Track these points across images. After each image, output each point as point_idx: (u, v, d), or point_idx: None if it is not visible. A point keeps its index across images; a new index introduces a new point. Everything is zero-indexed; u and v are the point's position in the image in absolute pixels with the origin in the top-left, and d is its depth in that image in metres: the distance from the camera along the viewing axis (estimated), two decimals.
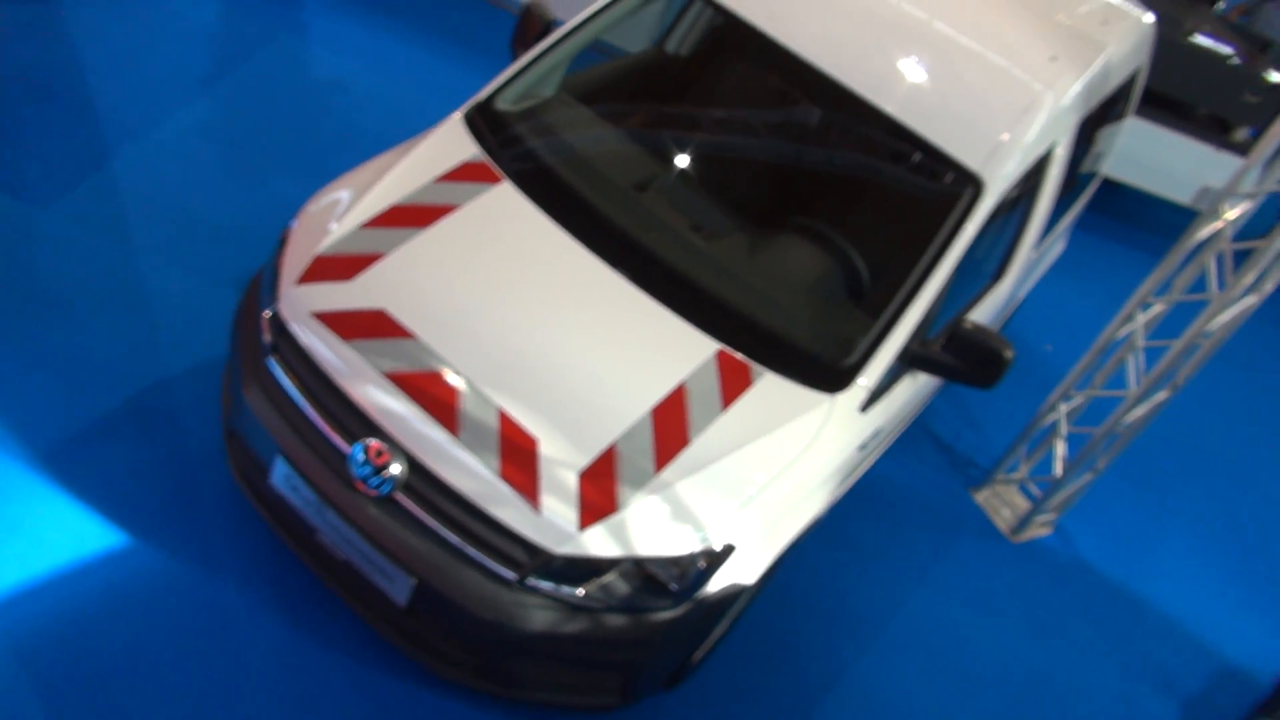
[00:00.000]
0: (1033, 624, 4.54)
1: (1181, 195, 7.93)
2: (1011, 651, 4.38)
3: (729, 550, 2.96)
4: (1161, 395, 4.53)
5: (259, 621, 3.28)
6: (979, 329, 3.41)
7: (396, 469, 2.88)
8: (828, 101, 3.86)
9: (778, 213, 4.02)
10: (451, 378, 2.96)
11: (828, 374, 3.31)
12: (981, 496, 5.05)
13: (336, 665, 3.24)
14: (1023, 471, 5.05)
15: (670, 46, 4.72)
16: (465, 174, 3.45)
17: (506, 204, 3.41)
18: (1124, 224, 8.22)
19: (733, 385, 3.16)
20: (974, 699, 4.09)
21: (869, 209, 4.06)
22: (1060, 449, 4.88)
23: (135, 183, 4.58)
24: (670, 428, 3.01)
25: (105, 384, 3.75)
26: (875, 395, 3.41)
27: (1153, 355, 4.57)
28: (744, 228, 3.81)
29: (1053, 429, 4.93)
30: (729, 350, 3.24)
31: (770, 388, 3.21)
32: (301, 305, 3.08)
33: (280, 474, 3.06)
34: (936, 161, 3.66)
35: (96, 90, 4.96)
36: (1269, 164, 4.19)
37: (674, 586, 2.93)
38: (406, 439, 2.89)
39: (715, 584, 2.99)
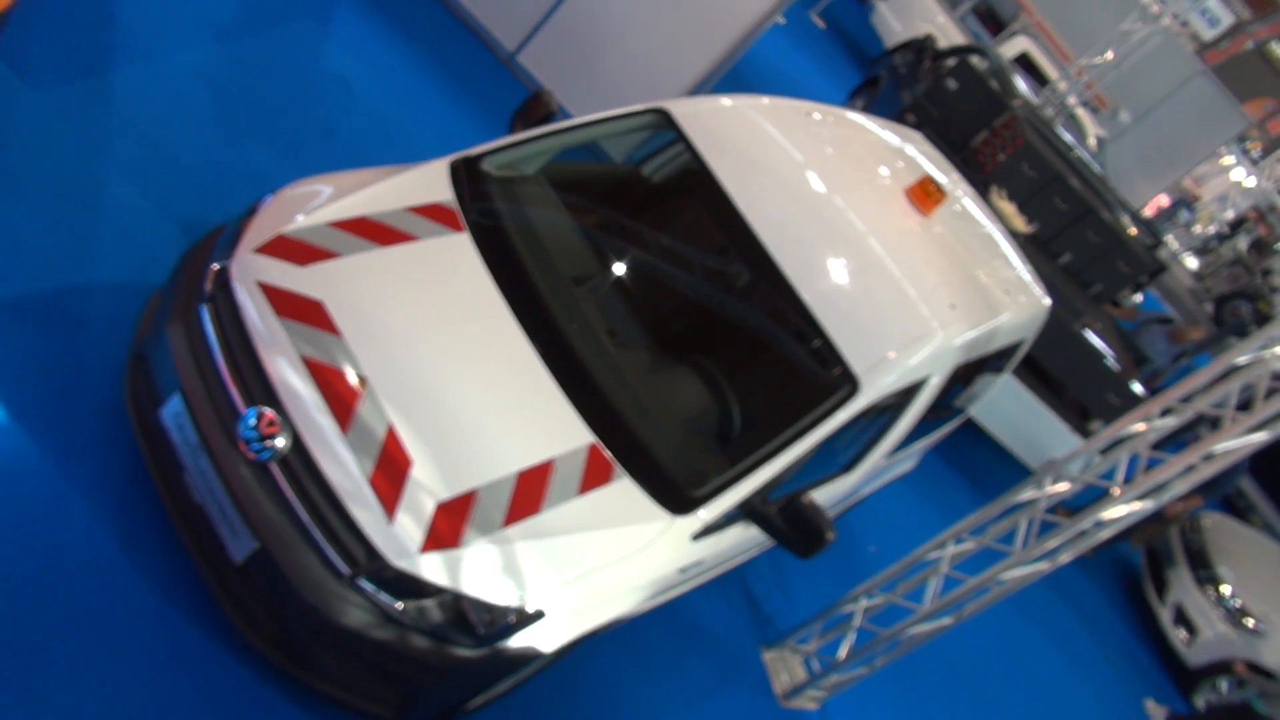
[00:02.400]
0: None
1: (1030, 458, 8.71)
2: None
3: (539, 615, 3.29)
4: (946, 620, 5.05)
5: (91, 531, 3.44)
6: (813, 506, 3.86)
7: (281, 442, 3.15)
8: (757, 268, 4.34)
9: (684, 344, 4.46)
10: (359, 382, 3.26)
11: (676, 496, 3.71)
12: (769, 656, 5.47)
13: (148, 594, 3.42)
14: (812, 645, 5.50)
15: (646, 170, 5.21)
16: (434, 213, 3.81)
17: (459, 252, 3.77)
18: (973, 465, 8.97)
19: (593, 476, 3.53)
20: None
21: (760, 370, 4.54)
22: (850, 636, 5.35)
23: (125, 98, 4.79)
24: (528, 493, 3.35)
25: (29, 268, 3.91)
26: (709, 529, 3.81)
27: (950, 584, 5.11)
28: (651, 347, 4.24)
29: (849, 617, 5.41)
30: (601, 446, 3.61)
31: (624, 490, 3.58)
32: (251, 271, 3.37)
33: (171, 410, 3.30)
34: (827, 354, 4.16)
35: (122, 3, 5.19)
36: (1093, 459, 4.84)
37: (481, 630, 3.24)
38: (299, 418, 3.17)
39: (516, 641, 3.31)
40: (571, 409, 3.62)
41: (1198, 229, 26.79)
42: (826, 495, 4.60)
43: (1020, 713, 6.94)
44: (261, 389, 3.22)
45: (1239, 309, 20.29)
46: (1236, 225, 27.14)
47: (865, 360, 4.15)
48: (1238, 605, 8.71)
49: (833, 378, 4.15)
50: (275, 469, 3.16)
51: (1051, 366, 8.48)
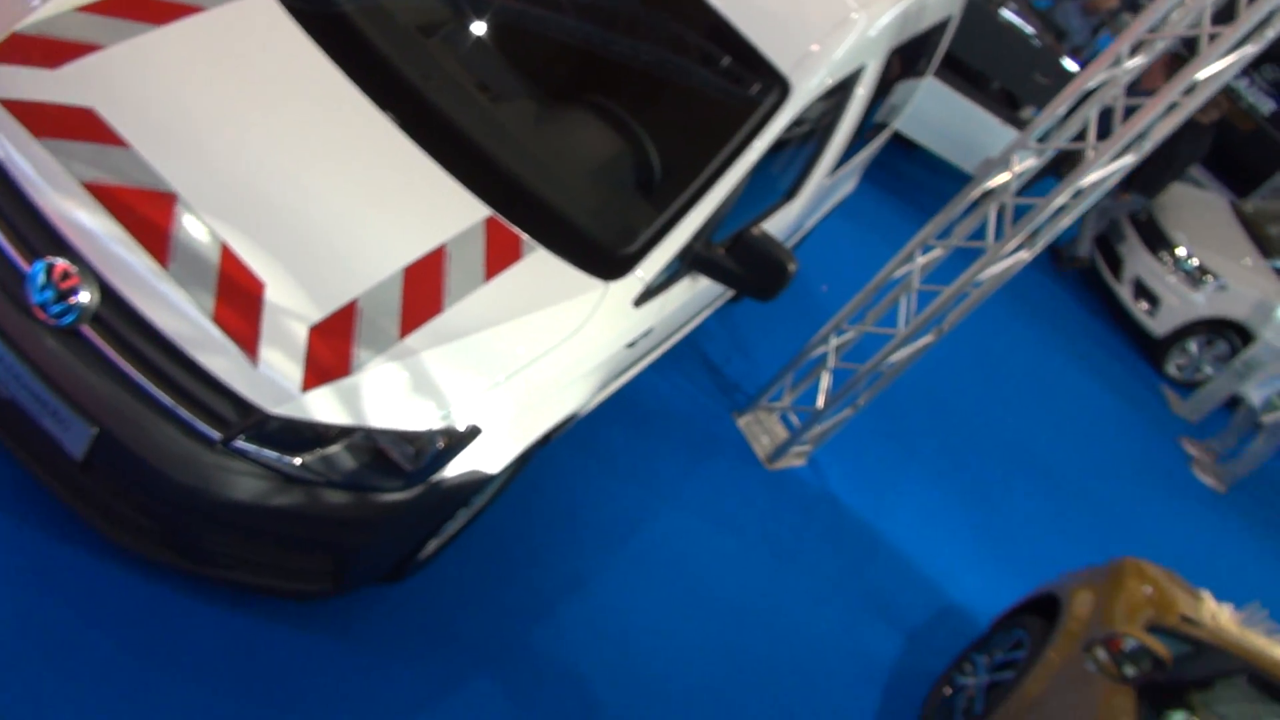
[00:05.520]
0: (775, 549, 4.54)
1: (965, 162, 8.17)
2: (751, 574, 4.35)
3: (474, 432, 2.68)
4: (927, 339, 4.57)
5: None
6: (766, 238, 3.26)
7: (85, 296, 2.42)
8: None
9: (573, 88, 3.70)
10: (167, 199, 2.50)
11: (604, 260, 3.06)
12: (743, 421, 4.99)
13: None
14: (786, 401, 5.03)
15: None
16: None
17: (264, 15, 2.94)
18: (907, 183, 8.41)
19: (499, 256, 2.86)
20: (706, 619, 4.03)
21: (669, 99, 3.81)
22: (825, 381, 4.87)
23: None
24: (423, 291, 2.68)
25: None
26: (651, 292, 3.19)
27: (925, 299, 4.60)
28: (535, 97, 3.49)
29: (821, 361, 4.91)
30: (500, 219, 2.93)
31: (540, 265, 2.93)
32: None
33: None
34: (747, 59, 3.47)
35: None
36: (1059, 123, 4.25)
37: (407, 466, 2.63)
38: (101, 263, 2.43)
39: (454, 469, 2.71)
40: (451, 180, 2.91)
41: None
42: (772, 230, 3.98)
43: (1017, 428, 6.64)
44: (43, 237, 2.45)
45: None
46: None
47: (790, 57, 3.49)
48: (1195, 265, 8.44)
49: (757, 87, 3.48)
50: (88, 331, 2.43)
51: (973, 59, 7.84)
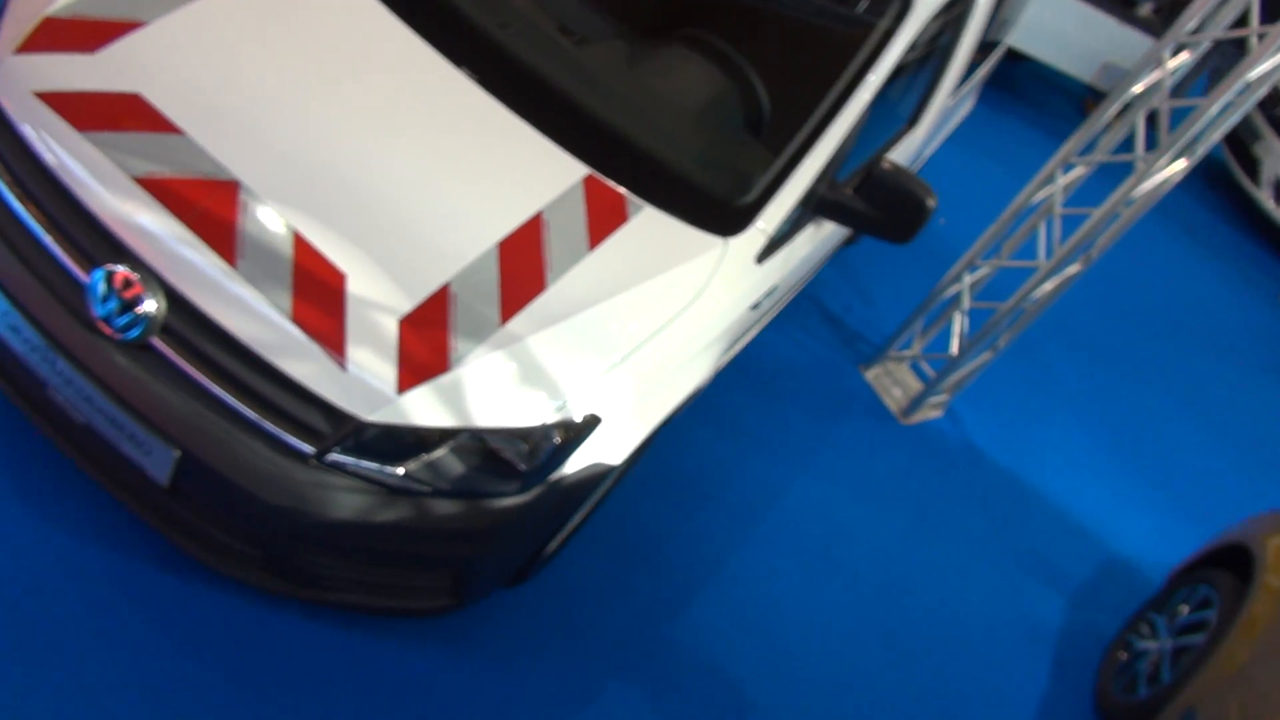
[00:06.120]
0: (919, 512, 4.15)
1: (1083, 71, 7.52)
2: (896, 541, 3.98)
3: (593, 422, 2.36)
4: (1074, 268, 4.09)
5: None
6: (899, 171, 2.85)
7: (151, 305, 2.15)
8: None
9: (666, 22, 3.32)
10: (230, 188, 2.22)
11: (721, 213, 2.70)
12: (871, 374, 4.59)
13: (85, 555, 2.54)
14: (916, 348, 4.61)
15: None
16: None
17: None
18: (1023, 103, 7.80)
19: (603, 220, 2.51)
20: (854, 597, 3.67)
21: (774, 26, 3.40)
22: (959, 323, 4.43)
23: None
24: (522, 268, 2.35)
25: None
26: (774, 244, 2.82)
27: (1068, 224, 4.13)
28: (623, 36, 3.12)
29: (954, 301, 4.47)
30: (600, 177, 2.58)
31: (650, 225, 2.57)
32: (21, 82, 2.27)
33: None
34: None
35: None
36: (1217, 7, 3.71)
37: (522, 466, 2.32)
38: (165, 266, 2.15)
39: (574, 464, 2.40)
40: (541, 138, 2.57)
41: None
42: (895, 155, 3.57)
43: (1171, 359, 6.06)
44: (99, 241, 2.19)
45: None
46: None
47: None
48: None
49: (872, 15, 3.06)
50: (159, 344, 2.18)
51: None
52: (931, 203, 2.83)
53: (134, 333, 2.16)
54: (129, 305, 2.15)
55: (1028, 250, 4.29)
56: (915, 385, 4.58)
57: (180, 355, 2.17)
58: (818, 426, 4.21)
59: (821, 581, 3.65)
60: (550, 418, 2.28)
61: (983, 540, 4.21)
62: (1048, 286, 4.13)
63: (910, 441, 4.43)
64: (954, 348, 4.44)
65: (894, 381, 4.58)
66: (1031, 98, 7.95)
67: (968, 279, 4.40)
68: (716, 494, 3.67)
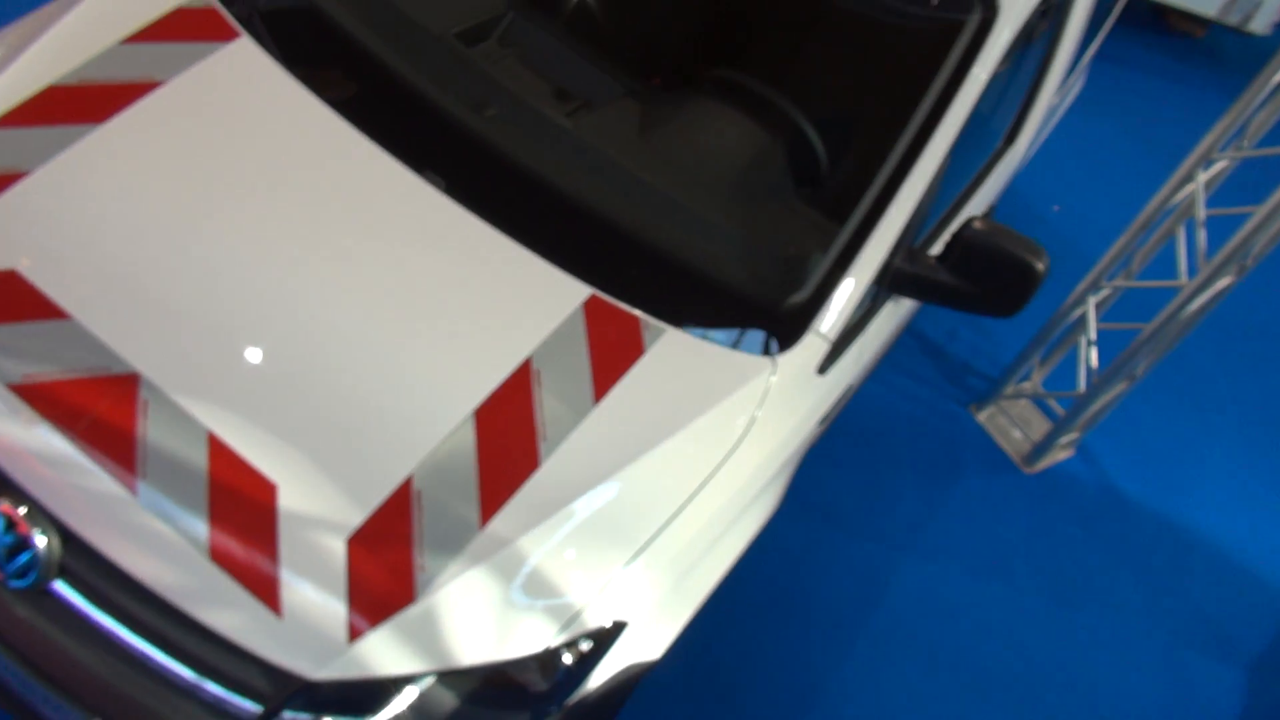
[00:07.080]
0: (1056, 583, 3.51)
1: (1206, 6, 6.58)
2: (1028, 623, 3.36)
3: (618, 629, 1.84)
4: (1225, 281, 3.37)
5: None
6: (996, 231, 2.22)
7: (41, 542, 1.71)
8: None
9: (688, 65, 2.73)
10: (129, 384, 1.75)
11: (768, 323, 2.12)
12: (984, 416, 3.94)
13: None
14: (1036, 381, 3.93)
15: None
16: (172, 29, 2.15)
17: (243, 74, 2.13)
18: (1141, 48, 6.87)
19: (612, 356, 1.97)
20: (990, 705, 3.08)
21: (824, 52, 2.77)
22: (1088, 353, 3.74)
23: None
24: (507, 442, 1.83)
25: None
26: (839, 345, 2.23)
27: (1214, 226, 3.40)
28: (636, 91, 2.55)
29: (1077, 325, 3.78)
30: (605, 298, 2.03)
31: (673, 354, 2.01)
32: None
33: None
34: None
35: None
36: None
37: (536, 688, 1.81)
38: (49, 496, 1.71)
39: (600, 674, 1.88)
40: (528, 254, 2.04)
41: None
42: (992, 189, 2.92)
43: None
44: None
45: None
46: None
47: None
48: None
49: (947, 12, 2.42)
50: (61, 589, 1.73)
51: None
52: (1041, 266, 2.20)
53: (28, 579, 1.72)
54: (17, 547, 1.72)
55: (1164, 259, 3.57)
56: (1038, 423, 3.91)
57: (87, 600, 1.73)
58: (927, 490, 3.59)
59: (948, 689, 3.08)
60: (555, 639, 1.77)
61: (1137, 610, 3.55)
62: (1196, 303, 3.42)
63: (1037, 493, 3.77)
64: (1081, 378, 3.75)
65: (1011, 422, 3.92)
66: (1134, 60, 7.02)
67: (1092, 300, 3.70)
68: (813, 591, 3.12)
